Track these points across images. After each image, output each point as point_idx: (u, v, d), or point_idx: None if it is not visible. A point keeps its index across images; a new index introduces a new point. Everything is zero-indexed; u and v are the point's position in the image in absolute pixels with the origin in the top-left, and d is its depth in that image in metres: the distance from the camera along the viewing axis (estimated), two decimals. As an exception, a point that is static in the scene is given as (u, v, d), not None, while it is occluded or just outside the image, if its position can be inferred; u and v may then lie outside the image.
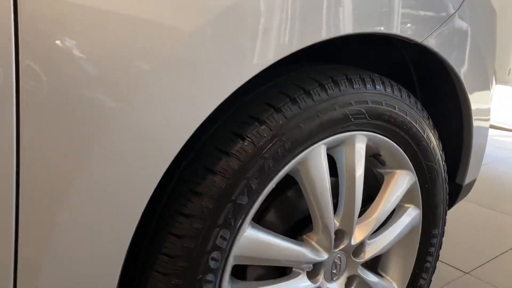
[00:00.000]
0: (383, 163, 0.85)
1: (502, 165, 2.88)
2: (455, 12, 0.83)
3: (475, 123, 1.01)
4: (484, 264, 1.58)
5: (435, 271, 1.46)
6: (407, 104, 0.81)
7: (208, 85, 0.53)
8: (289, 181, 0.78)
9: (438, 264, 1.55)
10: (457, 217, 2.04)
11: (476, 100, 1.00)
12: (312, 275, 0.78)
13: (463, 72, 0.93)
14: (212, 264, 0.61)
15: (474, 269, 1.53)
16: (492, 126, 4.19)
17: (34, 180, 0.45)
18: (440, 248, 1.02)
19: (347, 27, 0.65)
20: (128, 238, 0.52)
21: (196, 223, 0.59)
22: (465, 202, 2.16)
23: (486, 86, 1.07)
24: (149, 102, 0.49)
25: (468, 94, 0.97)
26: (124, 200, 0.51)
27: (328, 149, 0.75)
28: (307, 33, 0.61)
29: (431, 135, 0.88)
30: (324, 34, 0.62)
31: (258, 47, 0.56)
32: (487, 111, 1.07)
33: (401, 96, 0.80)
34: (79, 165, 0.47)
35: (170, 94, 0.50)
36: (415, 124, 0.83)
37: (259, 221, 0.74)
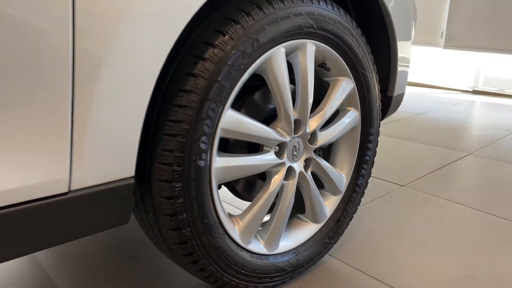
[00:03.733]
0: (328, 70, 1.09)
1: (435, 114, 3.26)
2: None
3: (399, 47, 1.27)
4: (418, 179, 1.88)
5: (375, 186, 1.75)
6: (344, 20, 1.04)
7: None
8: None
9: (377, 181, 1.85)
10: (396, 151, 2.36)
11: (400, 28, 1.26)
12: (278, 154, 1.01)
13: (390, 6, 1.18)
14: (206, 129, 0.82)
15: (409, 182, 1.84)
16: (426, 85, 4.61)
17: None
18: (377, 145, 1.27)
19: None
20: (144, 107, 0.72)
21: (193, 97, 0.79)
22: (404, 140, 2.49)
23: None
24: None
25: (393, 23, 1.22)
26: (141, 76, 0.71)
27: (286, 56, 0.97)
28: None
29: (365, 49, 1.13)
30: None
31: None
32: (408, 35, 1.33)
33: (339, 13, 1.03)
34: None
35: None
36: (351, 37, 1.07)
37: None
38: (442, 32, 4.05)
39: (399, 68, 1.33)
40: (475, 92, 4.17)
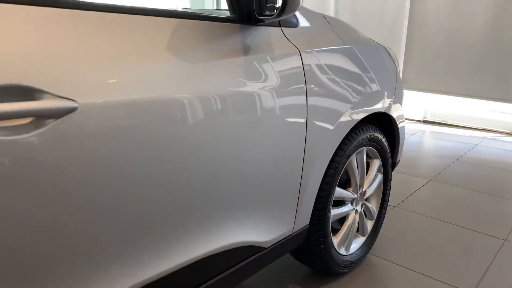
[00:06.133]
0: (370, 157, 2.10)
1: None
2: (393, 98, 2.10)
3: (400, 134, 2.31)
4: (403, 201, 2.93)
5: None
6: (378, 132, 2.06)
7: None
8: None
9: (380, 205, 2.87)
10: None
11: (399, 122, 2.29)
12: (351, 204, 2.00)
13: (392, 112, 2.20)
14: (331, 199, 1.79)
15: (398, 203, 2.88)
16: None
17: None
18: (390, 189, 2.29)
19: (371, 110, 1.87)
20: (322, 173, 1.68)
21: (328, 186, 1.76)
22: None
23: (402, 117, 2.37)
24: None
25: (397, 122, 2.25)
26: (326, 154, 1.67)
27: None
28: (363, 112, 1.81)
29: (385, 143, 2.15)
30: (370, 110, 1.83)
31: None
32: (402, 135, 2.37)
33: (376, 130, 2.04)
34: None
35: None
36: (380, 140, 2.08)
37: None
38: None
39: (400, 135, 2.36)
40: (425, 121, 5.39)
